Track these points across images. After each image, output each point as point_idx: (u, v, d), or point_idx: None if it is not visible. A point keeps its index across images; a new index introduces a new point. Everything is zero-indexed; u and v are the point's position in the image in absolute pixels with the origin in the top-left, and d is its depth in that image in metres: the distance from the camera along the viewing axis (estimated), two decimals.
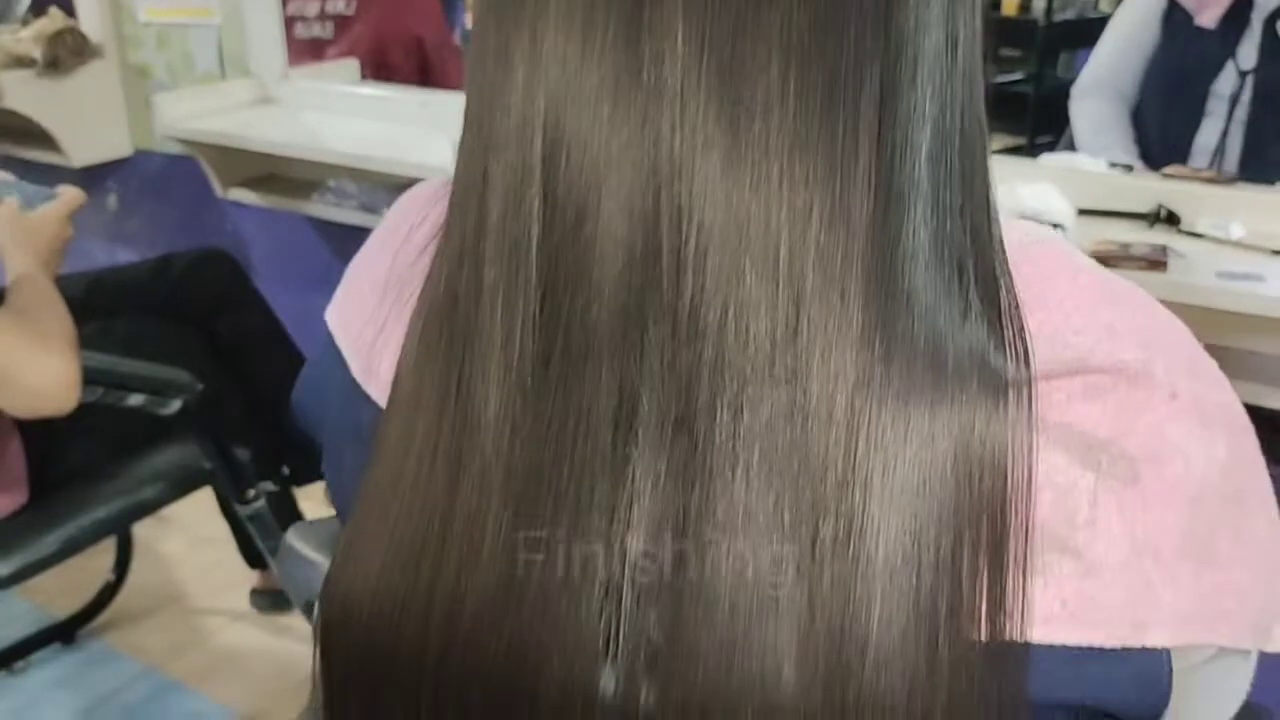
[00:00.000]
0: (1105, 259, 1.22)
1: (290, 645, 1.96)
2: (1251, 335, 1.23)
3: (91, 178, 2.36)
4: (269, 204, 2.02)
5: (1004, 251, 0.47)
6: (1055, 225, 1.30)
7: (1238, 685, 0.56)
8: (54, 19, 2.22)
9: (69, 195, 1.46)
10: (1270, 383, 1.25)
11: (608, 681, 0.46)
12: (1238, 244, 1.27)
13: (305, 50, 2.76)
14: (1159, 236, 1.30)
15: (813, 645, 0.43)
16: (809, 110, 0.42)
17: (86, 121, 2.30)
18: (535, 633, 0.46)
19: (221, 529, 1.94)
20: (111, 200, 2.14)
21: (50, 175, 2.27)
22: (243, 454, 1.53)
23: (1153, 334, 0.48)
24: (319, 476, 1.67)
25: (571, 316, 0.44)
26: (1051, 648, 0.44)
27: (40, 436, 1.45)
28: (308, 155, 1.84)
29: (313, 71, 2.19)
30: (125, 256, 2.47)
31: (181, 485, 1.53)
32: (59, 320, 1.25)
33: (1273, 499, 0.51)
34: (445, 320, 0.49)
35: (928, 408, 0.43)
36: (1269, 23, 1.89)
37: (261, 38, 2.08)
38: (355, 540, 0.52)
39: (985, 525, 0.44)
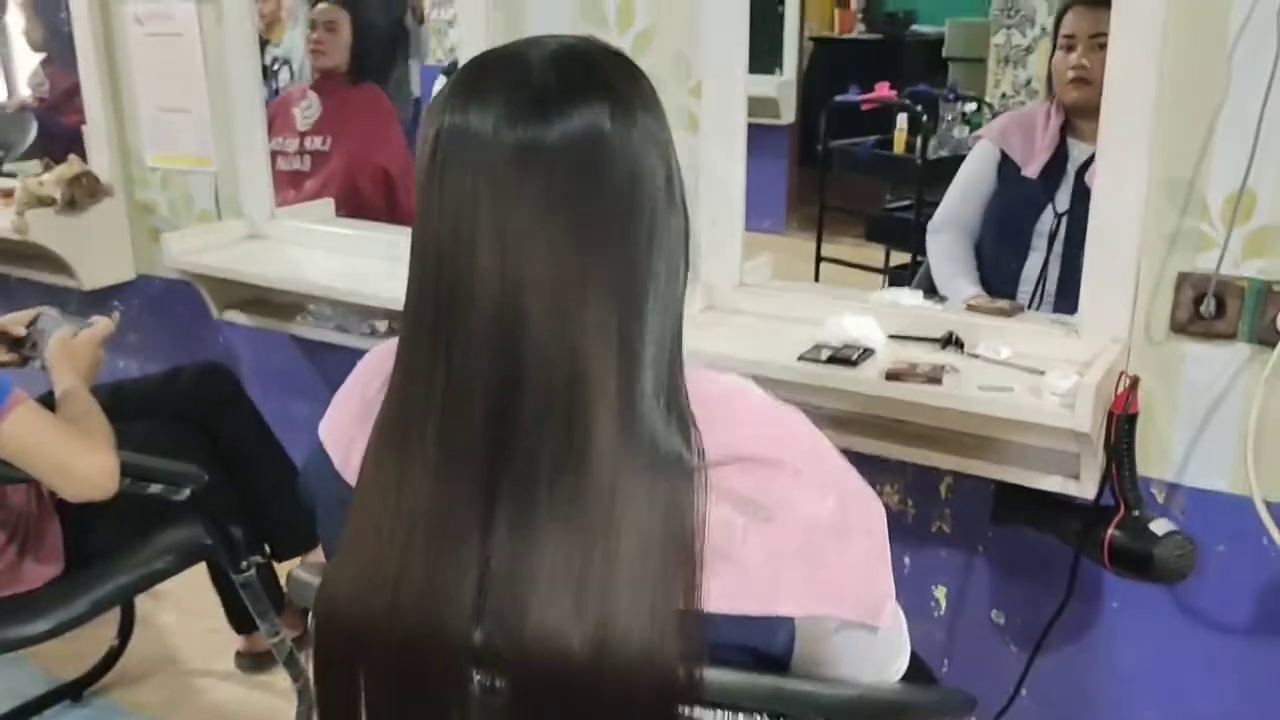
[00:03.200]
0: (898, 374, 1.62)
1: (270, 699, 2.29)
2: (1011, 431, 1.63)
3: (99, 299, 2.73)
4: (257, 324, 2.40)
5: (687, 392, 0.85)
6: (866, 349, 1.71)
7: (876, 655, 0.93)
8: (72, 165, 2.62)
9: (102, 325, 1.85)
10: (1027, 467, 1.65)
11: (477, 638, 0.83)
12: (1004, 363, 1.67)
13: (286, 181, 3.13)
14: (948, 357, 1.70)
15: (587, 624, 0.79)
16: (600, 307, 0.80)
17: (96, 251, 2.68)
18: (439, 613, 0.83)
19: (210, 603, 2.27)
20: (116, 318, 2.51)
21: (63, 296, 2.65)
22: (237, 532, 1.89)
23: (786, 440, 0.87)
24: (293, 554, 2.17)
25: (466, 432, 0.82)
26: (723, 615, 0.82)
27: (73, 519, 1.81)
28: (292, 286, 2.23)
29: (295, 211, 2.59)
30: (129, 365, 2.84)
31: (187, 558, 1.88)
32: (102, 426, 1.62)
33: (875, 534, 0.89)
34: (389, 436, 0.87)
35: (649, 483, 0.81)
36: (1079, 173, 2.29)
37: (252, 184, 2.49)
38: (336, 566, 0.89)
39: (682, 547, 0.82)
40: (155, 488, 1.73)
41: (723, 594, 0.81)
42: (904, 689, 0.95)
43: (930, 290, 2.41)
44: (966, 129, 3.51)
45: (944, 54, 5.31)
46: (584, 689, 0.79)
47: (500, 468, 0.81)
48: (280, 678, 2.33)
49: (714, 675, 0.81)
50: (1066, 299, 2.17)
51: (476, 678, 0.83)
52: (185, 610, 2.56)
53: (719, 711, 0.84)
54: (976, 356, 1.70)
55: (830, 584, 0.84)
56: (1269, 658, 1.65)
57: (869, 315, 1.77)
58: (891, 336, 1.76)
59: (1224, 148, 1.52)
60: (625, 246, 0.81)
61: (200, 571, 2.10)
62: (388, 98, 3.50)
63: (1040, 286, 2.36)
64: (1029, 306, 2.26)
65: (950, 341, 1.75)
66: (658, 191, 0.83)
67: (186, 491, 1.76)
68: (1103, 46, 2.22)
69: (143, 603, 2.40)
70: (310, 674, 0.96)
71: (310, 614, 0.93)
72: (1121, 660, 1.78)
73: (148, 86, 2.58)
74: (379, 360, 0.97)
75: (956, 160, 3.31)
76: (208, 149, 2.53)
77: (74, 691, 2.31)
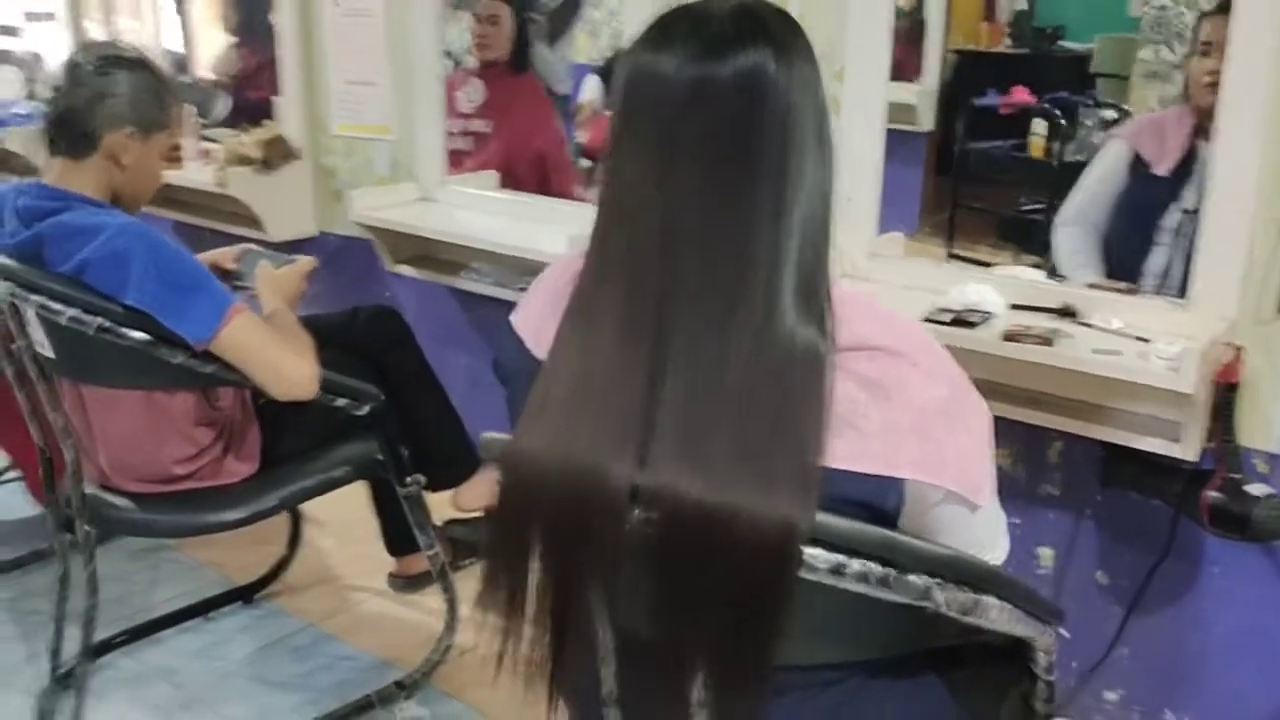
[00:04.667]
0: (1014, 335, 1.76)
1: (417, 615, 2.52)
2: (1117, 395, 1.75)
3: (284, 251, 3.01)
4: (425, 277, 2.65)
5: (830, 289, 1.03)
6: (987, 314, 1.84)
7: (974, 533, 1.08)
8: (269, 129, 2.91)
9: (306, 261, 2.10)
10: (1136, 430, 1.77)
11: (640, 478, 1.00)
12: (1114, 332, 1.80)
13: (449, 159, 3.39)
14: (1060, 325, 1.83)
15: (730, 467, 0.96)
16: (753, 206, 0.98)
17: (284, 207, 2.98)
18: (607, 457, 1.01)
19: (367, 531, 2.50)
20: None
21: None
22: (404, 451, 2.12)
23: (906, 338, 1.04)
24: (444, 487, 2.41)
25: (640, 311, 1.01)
26: (844, 471, 0.98)
27: (269, 426, 2.06)
28: (460, 241, 2.47)
29: (462, 179, 2.83)
30: (308, 312, 3.12)
31: (361, 470, 2.12)
32: (307, 339, 1.87)
33: (977, 430, 1.05)
34: (577, 316, 1.06)
35: (787, 357, 0.98)
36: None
37: (427, 152, 2.74)
38: (525, 424, 1.07)
39: (815, 410, 0.98)
40: (341, 402, 1.96)
41: (845, 455, 0.98)
42: (997, 567, 1.10)
43: (1052, 274, 2.52)
44: (1104, 134, 3.58)
45: (1091, 69, 5.32)
46: (722, 521, 0.95)
47: (666, 341, 0.99)
48: (428, 598, 2.56)
49: (833, 521, 0.97)
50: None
51: (635, 513, 1.00)
52: (343, 536, 2.82)
53: (835, 555, 1.00)
54: (1090, 326, 1.83)
55: (938, 457, 1.00)
56: None
57: (990, 284, 1.91)
58: (1012, 306, 1.89)
59: None
60: (778, 167, 0.99)
61: (358, 501, 2.34)
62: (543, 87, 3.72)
63: (1165, 280, 2.45)
64: None
65: (1066, 312, 1.87)
66: (808, 127, 1.01)
67: (366, 408, 1.99)
68: None
69: (307, 528, 2.67)
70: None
71: (497, 469, 1.10)
72: (1219, 622, 1.88)
73: (338, 62, 2.85)
74: (564, 265, 1.17)
75: (1084, 163, 3.40)
76: (388, 119, 2.79)
77: (246, 595, 2.58)
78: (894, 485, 1.01)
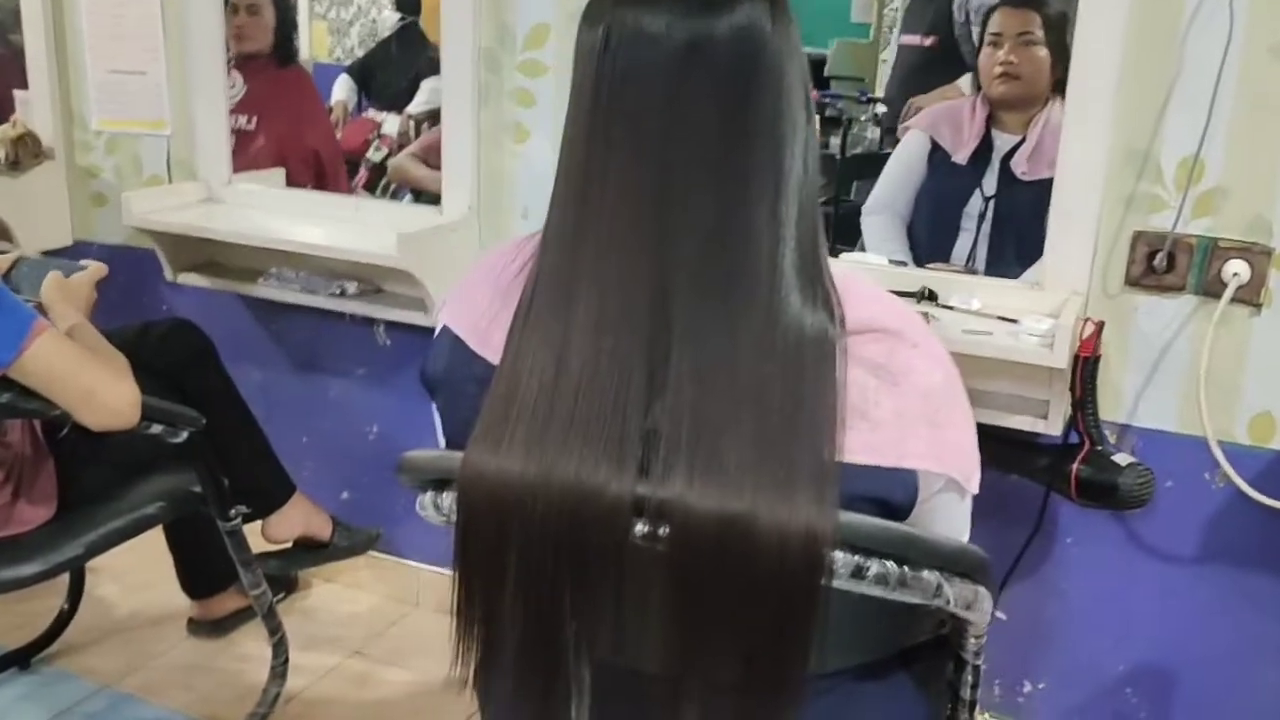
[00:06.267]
0: None
1: (229, 662, 2.27)
2: (986, 375, 1.78)
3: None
4: (216, 287, 2.39)
5: (830, 272, 0.95)
6: None
7: (959, 520, 1.04)
8: (16, 125, 2.55)
9: (95, 267, 1.83)
10: (1001, 409, 1.80)
11: (642, 489, 0.89)
12: (977, 313, 1.82)
13: None
14: (924, 308, 1.84)
15: (745, 475, 0.87)
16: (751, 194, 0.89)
17: (35, 214, 2.61)
18: (602, 468, 0.89)
19: (152, 575, 2.24)
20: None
21: None
22: (225, 480, 1.89)
23: (902, 317, 0.98)
24: (258, 516, 2.18)
25: (630, 296, 0.90)
26: (857, 465, 0.91)
27: (66, 462, 1.78)
28: (261, 244, 2.24)
29: (250, 177, 2.58)
30: None
31: (178, 504, 1.87)
32: (119, 357, 1.61)
33: (970, 413, 1.00)
34: (546, 304, 0.93)
35: (796, 347, 0.90)
36: (1005, 160, 2.48)
37: (211, 148, 2.47)
38: (484, 438, 0.93)
39: (827, 404, 0.90)
40: (156, 428, 1.72)
41: (857, 447, 0.90)
42: (984, 554, 1.06)
43: None
44: (878, 129, 3.72)
45: (827, 72, 5.55)
46: (741, 531, 0.86)
47: (665, 329, 0.88)
48: (239, 643, 2.32)
49: (854, 520, 0.90)
50: (995, 274, 2.35)
51: (639, 526, 0.89)
52: (127, 582, 2.51)
53: (855, 557, 0.92)
54: (951, 308, 1.85)
55: (945, 444, 0.95)
56: (1214, 586, 1.83)
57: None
58: None
59: (1178, 118, 1.70)
60: (774, 131, 0.91)
61: (139, 541, 2.06)
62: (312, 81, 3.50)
63: (970, 264, 2.54)
64: None
65: (925, 296, 1.89)
66: (798, 88, 0.93)
67: (185, 434, 1.76)
68: (1029, 44, 2.46)
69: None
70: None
71: (455, 490, 0.94)
72: (1075, 591, 1.94)
73: (99, 48, 2.53)
74: (505, 254, 1.03)
75: (871, 156, 3.51)
76: (163, 112, 2.50)
77: (21, 659, 2.24)
78: (904, 476, 0.95)
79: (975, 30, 3.22)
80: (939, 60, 3.32)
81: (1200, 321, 1.74)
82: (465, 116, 2.17)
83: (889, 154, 3.04)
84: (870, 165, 3.24)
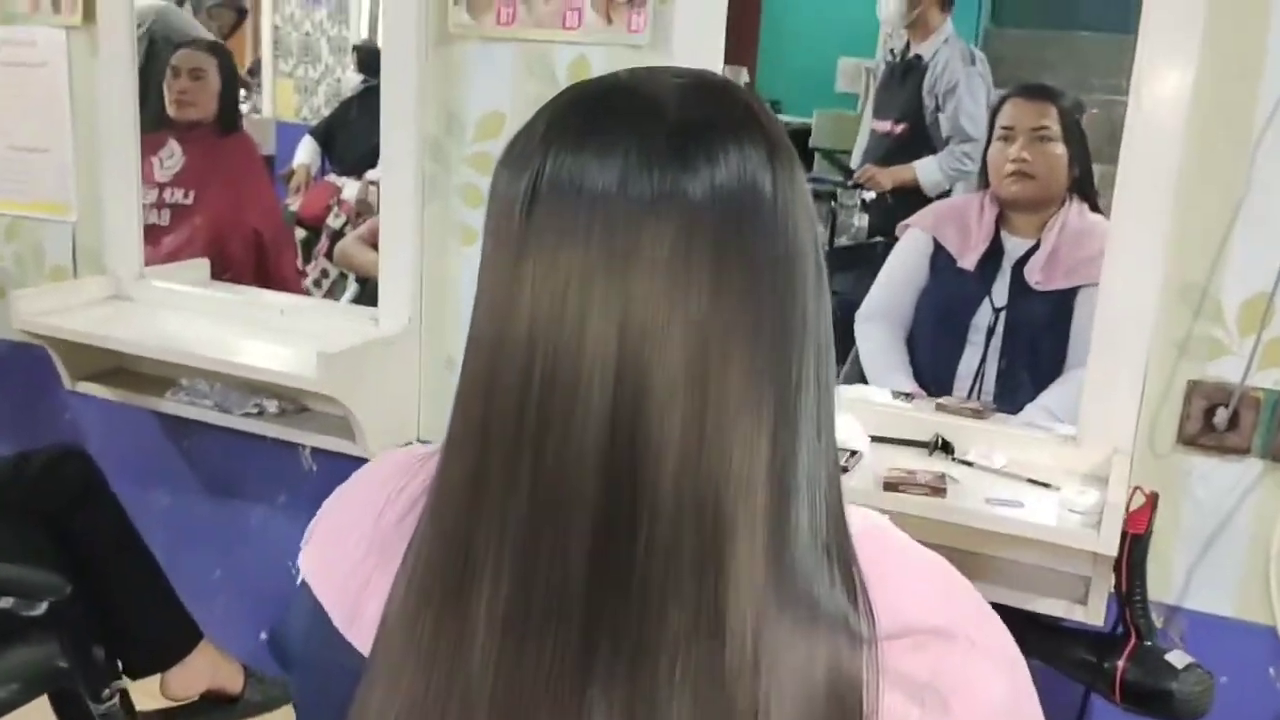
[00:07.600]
0: (896, 485, 1.46)
1: None
2: (1013, 549, 1.49)
3: None
4: (119, 398, 2.08)
5: (851, 539, 0.66)
6: (854, 451, 1.54)
7: None
8: None
9: None
10: (1028, 589, 1.51)
11: None
12: (1002, 472, 1.54)
13: (145, 237, 2.83)
14: (938, 464, 1.56)
15: None
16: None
17: None
18: None
19: None
20: None
21: None
22: (99, 653, 1.58)
23: (952, 599, 0.68)
24: (149, 673, 1.77)
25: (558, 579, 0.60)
26: None
27: None
28: (167, 356, 1.93)
29: (165, 271, 2.28)
30: None
31: (37, 685, 1.55)
32: None
33: (1039, 710, 0.71)
34: (438, 582, 0.64)
35: (807, 645, 0.61)
36: (1017, 267, 2.23)
37: (120, 238, 2.18)
38: None
39: None
40: (5, 601, 1.41)
41: None
42: None
43: (859, 381, 2.31)
44: (866, 217, 3.47)
45: (811, 144, 5.33)
46: None
47: (603, 629, 0.59)
48: None
49: None
50: (1005, 396, 2.13)
51: None
52: None
53: None
54: (970, 464, 1.57)
55: None
56: None
57: (848, 414, 1.61)
58: (873, 439, 1.60)
59: (1242, 249, 1.43)
60: (778, 337, 0.62)
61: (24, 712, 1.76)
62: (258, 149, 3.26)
63: (978, 383, 2.28)
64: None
65: (937, 447, 1.60)
66: (810, 267, 0.64)
67: (44, 606, 1.45)
68: (1044, 139, 2.22)
69: None
70: None
71: None
72: None
73: None
74: (386, 478, 0.74)
75: (860, 247, 3.26)
76: (67, 195, 2.20)
77: None
78: None
79: (944, 119, 3.06)
80: (908, 148, 3.16)
81: (1268, 490, 1.47)
82: (407, 214, 1.88)
83: (879, 242, 2.80)
84: (858, 257, 2.99)
